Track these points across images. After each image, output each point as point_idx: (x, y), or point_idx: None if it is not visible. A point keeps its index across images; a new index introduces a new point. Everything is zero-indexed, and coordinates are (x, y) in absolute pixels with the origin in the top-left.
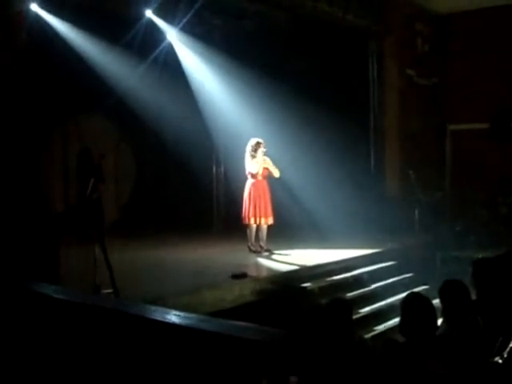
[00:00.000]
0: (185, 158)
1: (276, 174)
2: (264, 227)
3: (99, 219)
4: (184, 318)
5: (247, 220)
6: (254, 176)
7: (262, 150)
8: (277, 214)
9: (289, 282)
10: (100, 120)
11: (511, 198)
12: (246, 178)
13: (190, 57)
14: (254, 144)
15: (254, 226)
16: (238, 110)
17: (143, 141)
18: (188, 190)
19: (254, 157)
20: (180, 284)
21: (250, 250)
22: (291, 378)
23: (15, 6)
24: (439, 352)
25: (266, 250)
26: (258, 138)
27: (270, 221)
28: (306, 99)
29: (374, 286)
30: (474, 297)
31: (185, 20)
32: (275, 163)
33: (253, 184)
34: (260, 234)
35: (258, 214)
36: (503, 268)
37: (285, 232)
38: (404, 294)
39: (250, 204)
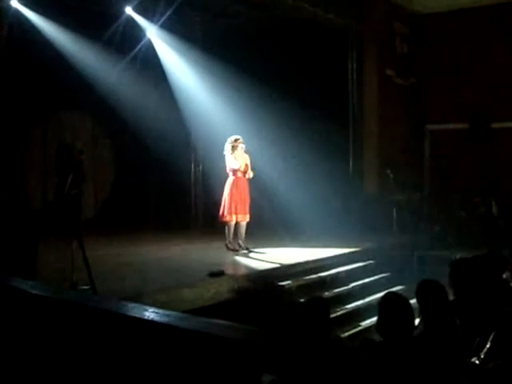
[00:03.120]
0: (164, 156)
1: (250, 174)
2: (242, 225)
3: (77, 215)
4: (163, 315)
5: (226, 217)
6: (235, 173)
7: (241, 145)
8: (255, 212)
9: (266, 280)
10: (80, 117)
11: (490, 199)
12: (224, 177)
13: (170, 54)
14: (232, 140)
15: (233, 223)
16: (217, 108)
17: (122, 138)
18: (167, 188)
19: (233, 153)
20: (158, 281)
21: (228, 248)
22: (264, 377)
23: None
24: (416, 352)
25: (244, 248)
26: (236, 135)
27: (246, 218)
28: (286, 98)
29: (351, 285)
30: (451, 297)
31: (165, 17)
32: (253, 163)
33: (234, 181)
34: (238, 232)
35: (235, 211)
36: (481, 268)
37: (263, 230)
38: (381, 294)
39: (230, 201)
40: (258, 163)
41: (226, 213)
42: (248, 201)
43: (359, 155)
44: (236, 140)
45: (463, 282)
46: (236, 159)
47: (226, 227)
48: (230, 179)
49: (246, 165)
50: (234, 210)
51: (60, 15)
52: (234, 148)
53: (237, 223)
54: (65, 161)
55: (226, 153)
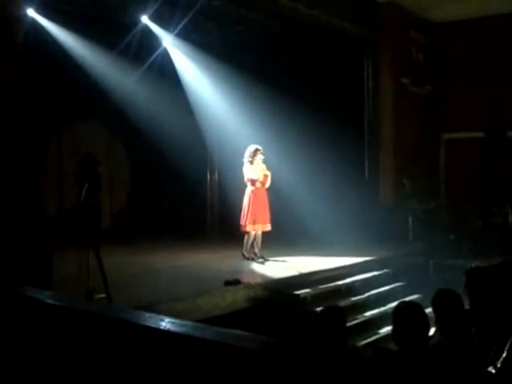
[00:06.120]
0: (179, 165)
1: (266, 184)
2: (259, 234)
3: (95, 224)
4: (179, 325)
5: (246, 228)
6: (253, 183)
7: (259, 156)
8: (272, 221)
9: (282, 289)
10: (95, 126)
11: (506, 208)
12: (239, 185)
13: (186, 63)
14: (252, 150)
15: (253, 233)
16: (233, 116)
17: (138, 147)
18: (183, 196)
19: (251, 163)
20: (174, 290)
21: (244, 256)
22: None
23: (12, 12)
24: (432, 361)
25: (260, 257)
26: (255, 144)
27: (268, 227)
28: (302, 107)
29: (366, 294)
30: (467, 306)
31: (180, 26)
32: (269, 172)
33: (252, 192)
34: (255, 241)
35: (256, 222)
36: (496, 277)
37: (279, 239)
38: (397, 303)
39: (248, 211)
40: (274, 172)
41: (246, 223)
42: (268, 210)
43: (375, 164)
44: (256, 150)
45: (479, 290)
46: (254, 169)
47: (246, 236)
48: (249, 190)
49: (265, 175)
50: (254, 220)
51: (76, 24)
52: (252, 158)
53: (255, 233)
54: (85, 171)
55: (244, 162)
